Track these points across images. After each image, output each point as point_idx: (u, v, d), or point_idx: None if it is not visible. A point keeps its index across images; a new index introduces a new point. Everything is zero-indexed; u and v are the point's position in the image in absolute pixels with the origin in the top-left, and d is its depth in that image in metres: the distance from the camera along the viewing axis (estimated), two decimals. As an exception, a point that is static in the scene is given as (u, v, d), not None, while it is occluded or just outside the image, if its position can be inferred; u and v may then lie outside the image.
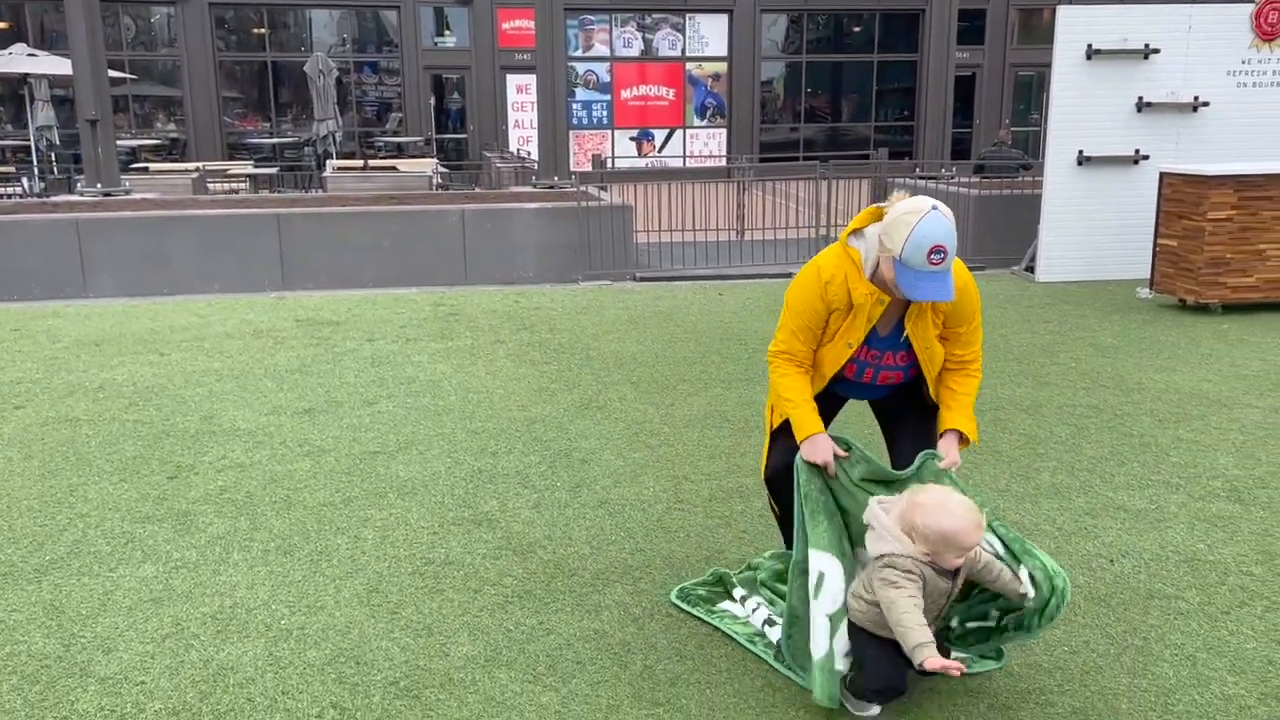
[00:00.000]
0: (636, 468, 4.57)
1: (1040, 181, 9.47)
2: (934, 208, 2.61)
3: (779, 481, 3.14)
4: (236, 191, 13.35)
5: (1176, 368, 6.20)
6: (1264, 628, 3.14)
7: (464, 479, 4.47)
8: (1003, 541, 2.74)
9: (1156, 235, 8.18)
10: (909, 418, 3.07)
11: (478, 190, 13.19)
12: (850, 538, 2.86)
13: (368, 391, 5.84)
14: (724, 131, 21.82)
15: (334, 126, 16.39)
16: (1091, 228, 9.20)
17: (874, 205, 2.83)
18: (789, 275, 9.79)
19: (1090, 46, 8.88)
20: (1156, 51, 8.91)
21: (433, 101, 21.20)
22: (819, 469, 2.86)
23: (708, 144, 21.74)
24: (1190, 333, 7.14)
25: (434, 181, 13.47)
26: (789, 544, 3.25)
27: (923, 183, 12.12)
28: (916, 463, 2.87)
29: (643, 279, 9.78)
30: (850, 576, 2.78)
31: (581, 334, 7.30)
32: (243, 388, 5.94)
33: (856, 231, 2.84)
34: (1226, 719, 2.68)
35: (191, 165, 16.02)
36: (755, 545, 3.74)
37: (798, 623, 2.83)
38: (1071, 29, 8.92)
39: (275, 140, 20.67)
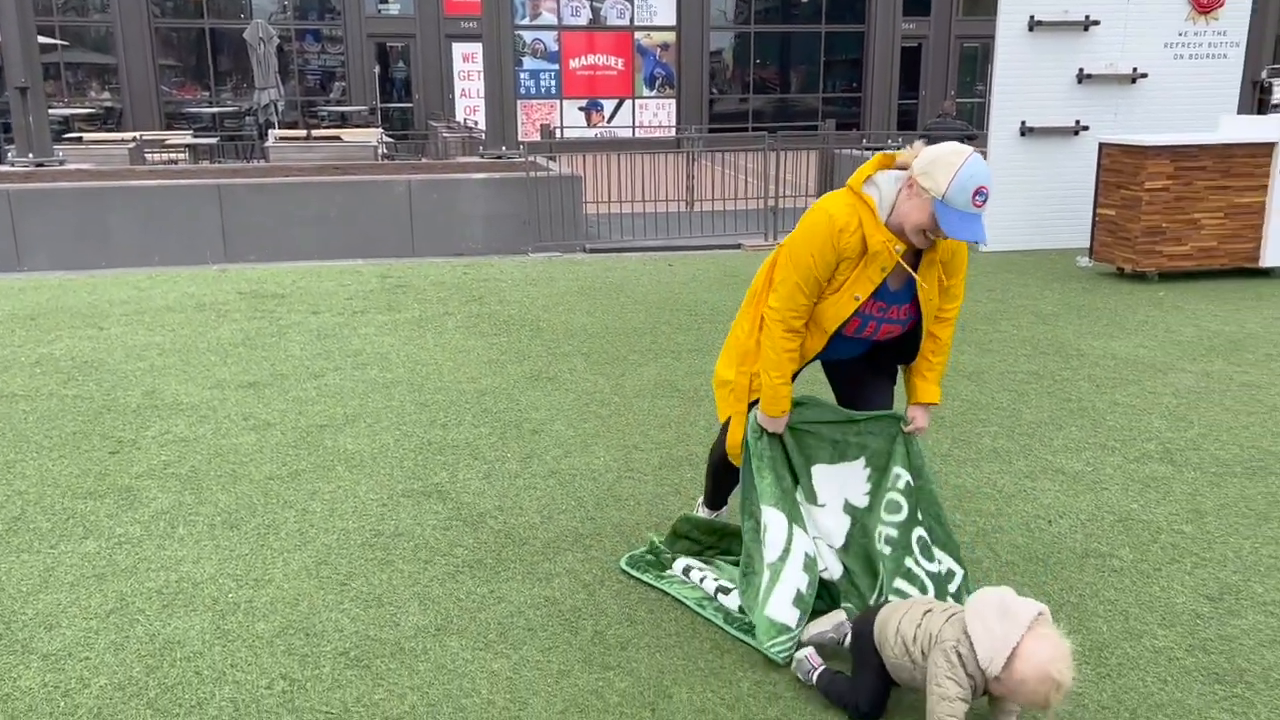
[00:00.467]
0: (587, 438, 4.59)
1: (984, 152, 9.59)
2: (974, 152, 2.63)
3: (726, 463, 3.23)
4: (176, 162, 13.06)
5: (1114, 334, 6.35)
6: (1193, 583, 3.25)
7: (413, 451, 4.45)
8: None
9: (1096, 205, 8.34)
10: (867, 379, 3.11)
11: (424, 160, 13.04)
12: (800, 480, 3.00)
13: (314, 364, 5.78)
14: (673, 102, 21.77)
15: (276, 95, 16.08)
16: (1034, 198, 9.36)
17: (882, 154, 2.82)
18: (738, 246, 9.85)
19: (1032, 18, 9.00)
20: (1096, 23, 9.05)
21: (377, 70, 20.87)
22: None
23: (657, 114, 21.67)
24: (1127, 300, 7.31)
25: (379, 152, 13.29)
26: (712, 505, 3.47)
27: (869, 154, 12.22)
28: (883, 419, 2.97)
29: (592, 250, 9.76)
30: (798, 524, 2.86)
31: (531, 305, 7.28)
32: (185, 362, 5.84)
33: (869, 179, 2.79)
34: (1156, 670, 2.78)
35: (128, 135, 15.63)
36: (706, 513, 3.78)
37: (752, 563, 2.93)
38: (1014, 0, 9.02)
39: (215, 109, 20.23)
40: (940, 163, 2.61)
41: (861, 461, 3.01)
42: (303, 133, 15.26)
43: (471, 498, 3.95)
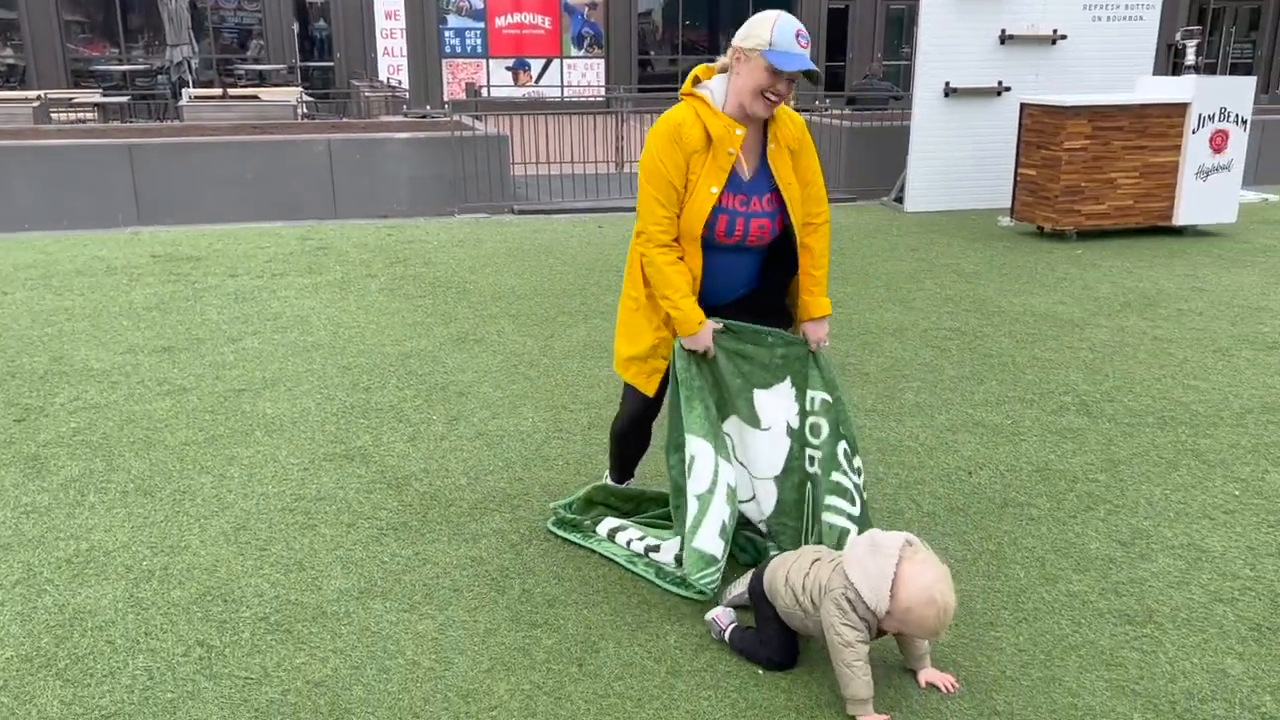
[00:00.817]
0: (515, 399, 4.54)
1: (909, 113, 9.67)
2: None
3: (630, 437, 3.26)
4: (84, 121, 12.55)
5: (1034, 291, 6.48)
6: (1106, 530, 3.34)
7: (335, 415, 4.36)
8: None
9: (1017, 165, 8.48)
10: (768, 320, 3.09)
11: (345, 120, 12.72)
12: (730, 405, 2.99)
13: (231, 328, 5.63)
14: (602, 63, 21.54)
15: (189, 53, 15.51)
16: (957, 158, 9.47)
17: (700, 66, 2.95)
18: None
19: (956, -22, 9.05)
20: (1018, -16, 9.14)
21: (296, 27, 20.25)
22: (695, 354, 2.91)
23: (585, 75, 21.43)
24: (1047, 258, 7.46)
25: (299, 111, 12.92)
26: (618, 477, 3.44)
27: (798, 115, 12.23)
28: (793, 343, 2.98)
29: (520, 212, 9.64)
30: (722, 455, 2.88)
31: (458, 268, 7.17)
32: (96, 327, 5.64)
33: (697, 82, 2.92)
34: (1071, 613, 2.85)
35: (32, 93, 14.96)
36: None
37: (681, 495, 2.93)
38: (939, -39, 9.06)
39: (125, 67, 19.46)
40: (756, 23, 2.82)
41: (788, 382, 3.01)
42: (218, 92, 14.77)
43: (396, 460, 3.89)
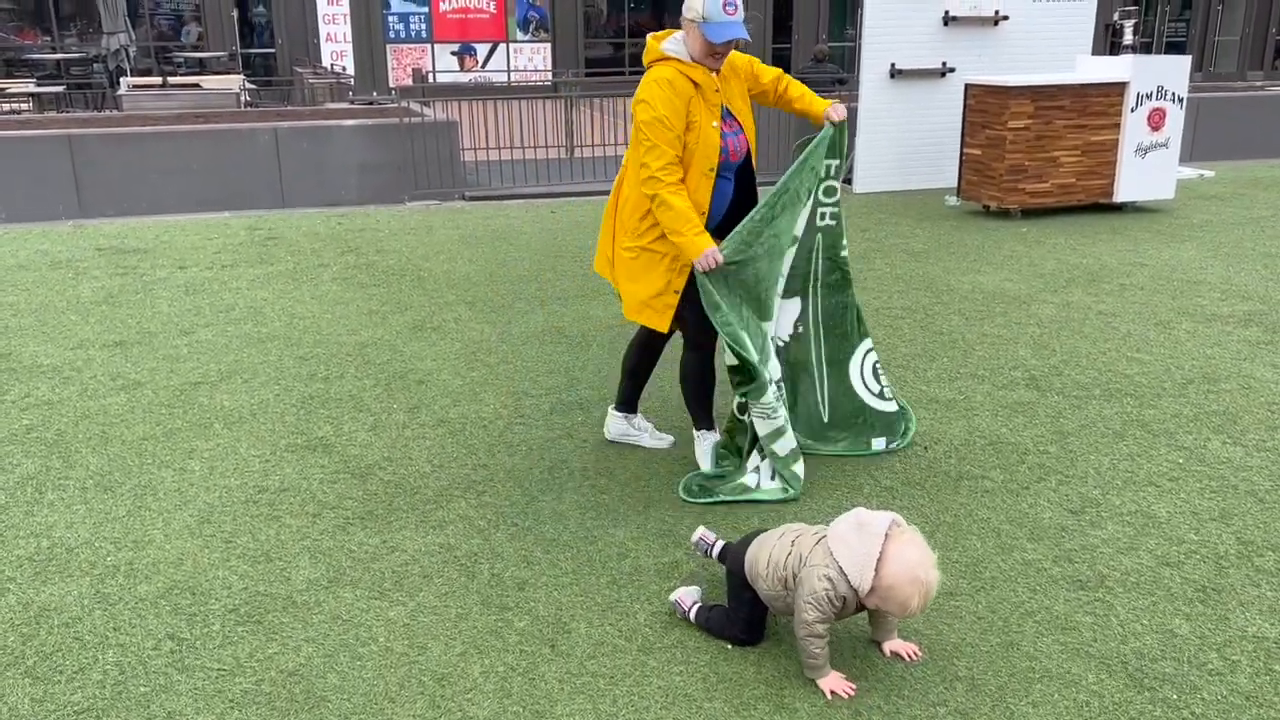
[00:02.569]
0: (475, 386, 4.55)
1: (856, 95, 9.77)
2: None
3: (644, 359, 3.86)
4: (19, 112, 12.23)
5: (981, 269, 6.62)
6: (1057, 499, 3.45)
7: (294, 406, 4.34)
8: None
9: (963, 145, 8.62)
10: None
11: (290, 108, 12.53)
12: (765, 295, 3.49)
13: (183, 321, 5.56)
14: (548, 46, 21.42)
15: (126, 40, 15.16)
16: (904, 139, 9.60)
17: (651, 35, 3.43)
18: (618, 191, 9.81)
19: (900, -39, 9.15)
20: (961, -33, 9.26)
21: (235, 14, 19.86)
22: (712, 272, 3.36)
23: (532, 59, 21.30)
24: (993, 237, 7.61)
25: (242, 99, 12.71)
26: (624, 406, 3.94)
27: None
28: (807, 149, 3.60)
29: (472, 198, 9.60)
30: (764, 361, 3.43)
31: (411, 255, 7.13)
32: (43, 322, 5.54)
33: (661, 49, 3.38)
34: (1026, 580, 2.95)
35: (-38, 84, 14.53)
36: (597, 455, 3.82)
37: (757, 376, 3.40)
38: (883, -57, 9.15)
39: (60, 56, 18.95)
40: None
41: (796, 298, 3.71)
42: (158, 80, 14.46)
43: (358, 450, 3.89)
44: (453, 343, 5.15)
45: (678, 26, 3.41)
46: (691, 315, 3.50)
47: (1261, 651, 2.60)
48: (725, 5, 3.27)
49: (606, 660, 2.59)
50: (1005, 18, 9.46)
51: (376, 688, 2.48)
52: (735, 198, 3.55)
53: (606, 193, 9.78)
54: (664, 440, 3.90)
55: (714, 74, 3.39)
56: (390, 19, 20.00)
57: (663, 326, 3.53)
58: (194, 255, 7.14)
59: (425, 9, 20.59)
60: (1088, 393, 4.42)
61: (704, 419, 3.75)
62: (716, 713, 2.40)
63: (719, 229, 3.52)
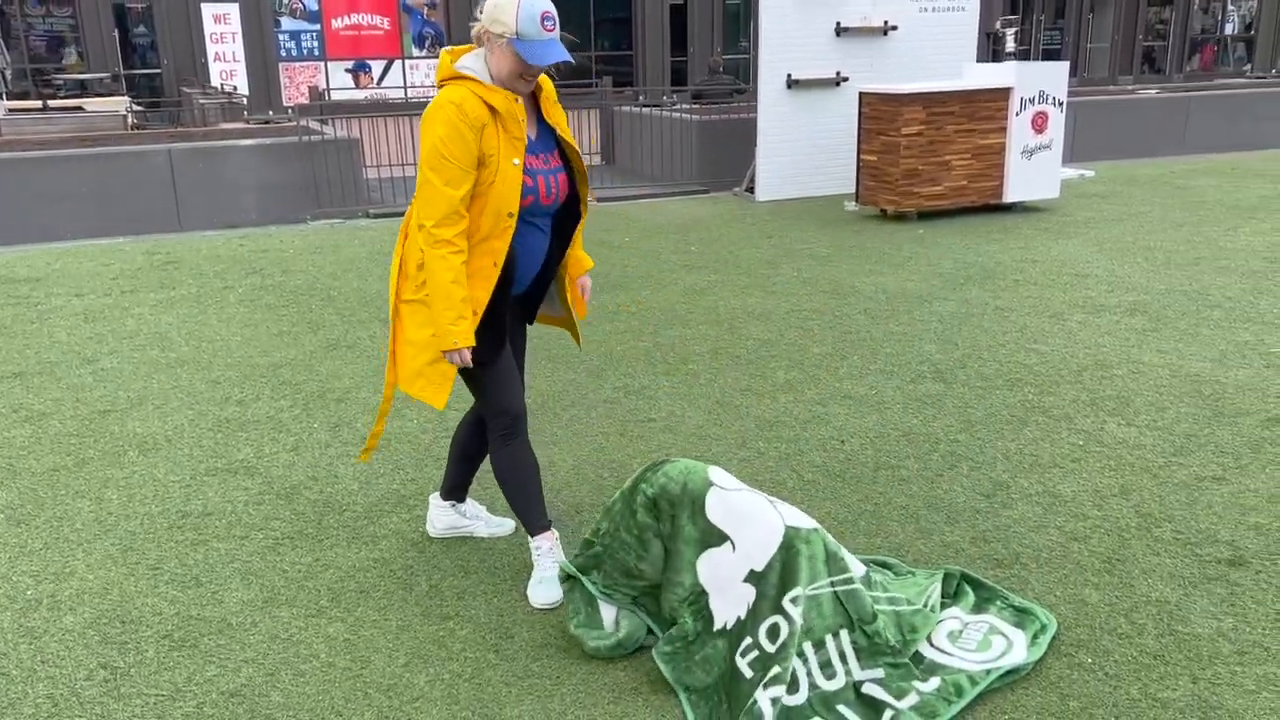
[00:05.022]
0: (397, 402, 4.53)
1: (755, 106, 9.99)
2: None
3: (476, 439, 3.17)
4: (-113, 139, 11.62)
5: (883, 270, 6.85)
6: (970, 484, 3.62)
7: (211, 429, 4.26)
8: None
9: (859, 151, 8.90)
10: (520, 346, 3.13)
11: (182, 129, 12.21)
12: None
13: (85, 349, 5.39)
14: (444, 63, 21.30)
15: (3, 63, 14.55)
16: (803, 147, 9.86)
17: (446, 49, 2.79)
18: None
19: (792, -26, 9.41)
20: (850, -21, 9.58)
21: (116, 34, 19.24)
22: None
23: (429, 75, 21.14)
24: (892, 239, 7.88)
25: (129, 121, 12.32)
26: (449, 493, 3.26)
27: (647, 110, 12.45)
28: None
29: (377, 215, 9.50)
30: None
31: (319, 274, 7.04)
32: (-67, 355, 5.31)
33: (456, 66, 2.76)
34: (947, 561, 3.09)
35: None
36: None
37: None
38: (775, -43, 9.40)
39: (-73, 80, 18.05)
40: (501, 8, 2.66)
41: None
42: (38, 103, 13.92)
43: (282, 470, 3.84)
44: (369, 360, 5.12)
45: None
46: (477, 387, 2.91)
47: (1165, 614, 2.78)
48: (543, 19, 2.65)
49: (551, 662, 2.63)
50: (894, 28, 9.80)
51: (323, 703, 2.47)
52: (553, 250, 2.96)
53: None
54: (505, 526, 3.34)
55: (518, 100, 2.74)
56: (281, 37, 19.63)
57: (439, 402, 2.83)
58: (90, 282, 6.91)
59: (317, 26, 20.27)
60: (991, 383, 4.62)
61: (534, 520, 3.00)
62: (663, 705, 2.46)
63: (529, 292, 2.99)
